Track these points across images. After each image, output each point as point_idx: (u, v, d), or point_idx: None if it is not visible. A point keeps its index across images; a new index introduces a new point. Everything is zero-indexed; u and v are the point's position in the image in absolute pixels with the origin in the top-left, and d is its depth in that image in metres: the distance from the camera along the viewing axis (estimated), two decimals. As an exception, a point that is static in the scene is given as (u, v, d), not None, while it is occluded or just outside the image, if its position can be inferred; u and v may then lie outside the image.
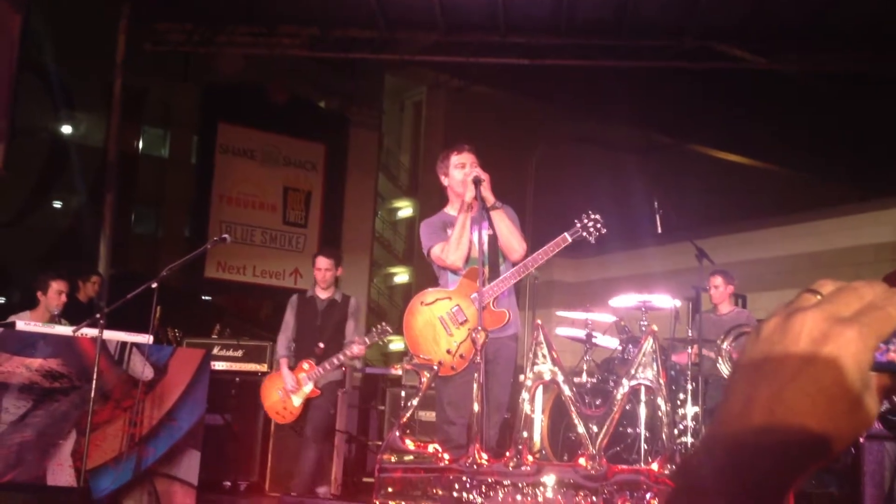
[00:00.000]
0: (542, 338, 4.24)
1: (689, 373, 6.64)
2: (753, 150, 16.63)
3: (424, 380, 4.32)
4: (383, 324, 6.65)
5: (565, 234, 4.73)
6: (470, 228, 4.73)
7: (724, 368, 6.21)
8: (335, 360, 6.43)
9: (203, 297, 13.24)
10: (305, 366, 6.53)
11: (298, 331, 6.76)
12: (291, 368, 6.58)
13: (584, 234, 4.76)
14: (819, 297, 0.68)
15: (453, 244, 4.74)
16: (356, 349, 6.45)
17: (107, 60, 10.41)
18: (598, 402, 6.32)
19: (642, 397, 5.55)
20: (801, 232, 11.70)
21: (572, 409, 4.11)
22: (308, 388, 6.49)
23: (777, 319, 0.67)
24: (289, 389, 6.51)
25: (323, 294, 6.77)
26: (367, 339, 6.49)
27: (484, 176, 4.66)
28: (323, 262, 6.73)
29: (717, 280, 7.64)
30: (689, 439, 6.37)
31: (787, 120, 13.77)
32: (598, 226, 4.78)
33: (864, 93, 11.79)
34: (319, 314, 6.73)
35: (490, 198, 4.70)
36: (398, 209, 24.90)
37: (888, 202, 11.03)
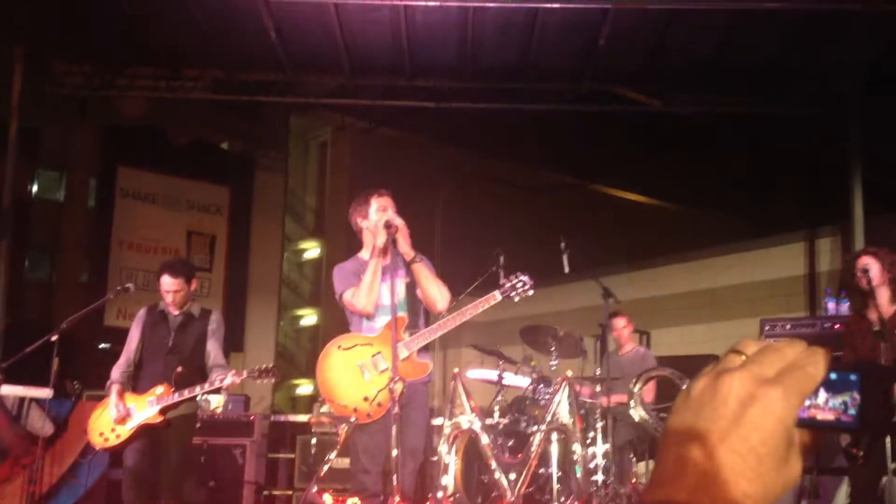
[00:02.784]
0: (460, 388, 4.25)
1: (598, 412, 6.74)
2: (653, 189, 17.13)
3: (342, 431, 4.27)
4: (271, 365, 5.64)
5: (495, 292, 4.81)
6: (383, 275, 4.73)
7: (636, 413, 6.32)
8: (197, 388, 5.39)
9: (102, 346, 12.79)
10: (159, 389, 5.43)
11: (147, 351, 5.64)
12: (140, 392, 5.52)
13: (512, 293, 4.85)
14: (743, 357, 0.71)
15: (364, 290, 4.71)
16: (230, 380, 5.34)
17: (1, 100, 10.07)
18: (510, 444, 6.35)
19: (553, 437, 5.60)
20: (700, 268, 12.04)
21: (490, 456, 4.12)
22: (149, 413, 5.40)
23: (705, 380, 0.70)
24: (115, 420, 5.39)
25: (176, 309, 5.73)
26: (244, 372, 5.48)
27: (398, 222, 4.67)
28: (169, 282, 5.61)
29: (622, 321, 7.83)
30: (600, 477, 6.44)
31: (684, 160, 14.24)
32: (527, 287, 4.88)
33: (756, 133, 12.29)
34: (172, 332, 5.64)
35: (409, 252, 4.71)
36: (304, 250, 24.66)
37: (781, 238, 11.47)
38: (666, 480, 0.67)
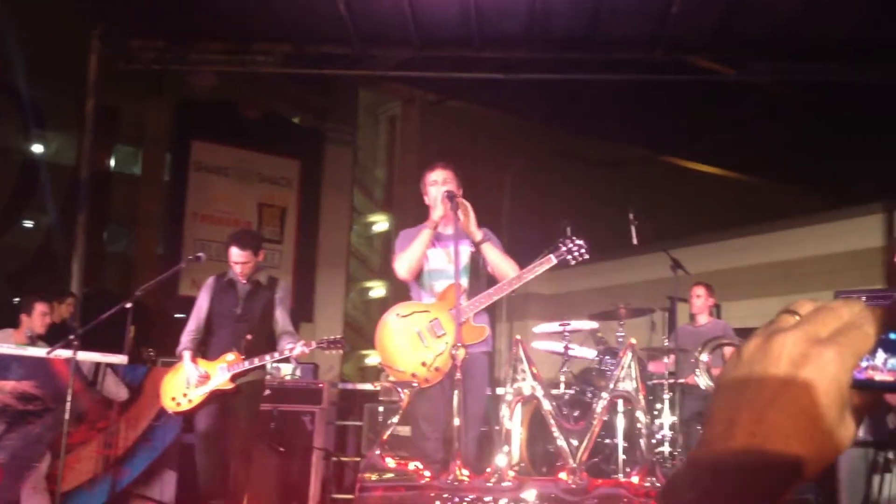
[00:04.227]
0: (521, 353, 4.26)
1: (666, 383, 6.69)
2: (726, 160, 16.78)
3: (404, 397, 4.32)
4: (339, 337, 5.72)
5: (550, 255, 4.83)
6: (445, 242, 4.80)
7: (702, 381, 6.25)
8: (267, 357, 5.49)
9: (177, 316, 13.13)
10: (230, 357, 5.54)
11: (216, 318, 5.73)
12: (210, 358, 5.65)
13: (568, 256, 4.86)
14: (797, 317, 0.69)
15: (405, 255, 4.86)
16: (299, 350, 5.44)
17: (79, 79, 10.33)
18: (575, 414, 6.35)
19: (620, 408, 5.57)
20: (775, 241, 11.80)
21: (552, 423, 4.12)
22: (220, 379, 5.51)
23: (757, 341, 0.68)
24: (193, 384, 5.52)
25: (244, 279, 5.78)
26: (313, 343, 5.55)
27: (457, 191, 4.73)
28: (237, 254, 5.67)
29: (700, 290, 7.72)
30: (667, 449, 6.41)
31: (758, 130, 13.90)
32: (582, 251, 4.91)
33: (834, 102, 11.93)
34: (240, 301, 5.72)
35: (476, 233, 4.79)
36: (373, 224, 24.84)
37: (858, 210, 11.16)
38: (714, 440, 0.65)
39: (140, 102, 15.75)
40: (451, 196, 4.70)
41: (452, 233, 4.70)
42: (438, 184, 4.90)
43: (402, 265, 4.85)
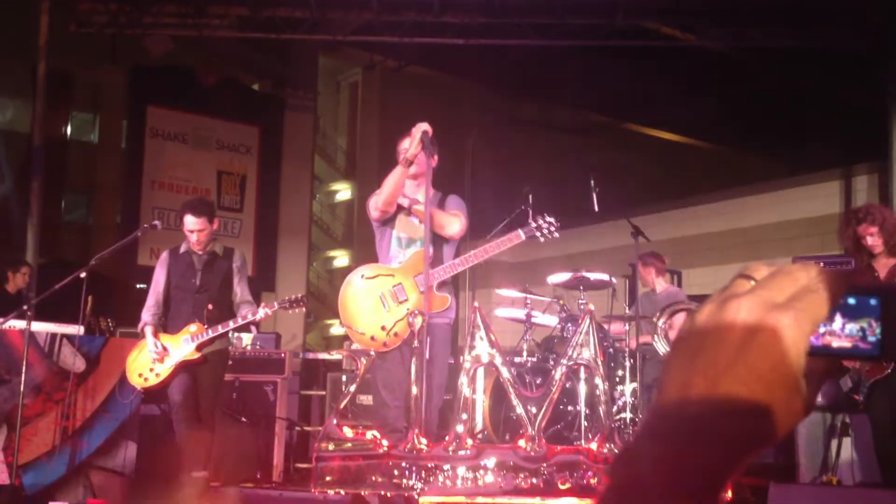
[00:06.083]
0: (479, 320, 4.24)
1: (626, 350, 6.74)
2: (686, 127, 16.87)
3: (361, 365, 4.29)
4: (300, 295, 5.73)
5: (519, 231, 4.80)
6: (413, 213, 4.78)
7: (660, 346, 6.30)
8: (230, 324, 5.49)
9: (136, 286, 12.97)
10: (192, 328, 5.50)
11: (175, 291, 5.65)
12: (173, 332, 5.60)
13: (538, 234, 4.82)
14: (753, 282, 0.66)
15: (379, 192, 4.78)
16: (262, 313, 5.43)
17: (31, 43, 10.10)
18: (538, 382, 6.37)
19: (582, 375, 5.60)
20: (734, 208, 11.91)
21: (510, 390, 4.13)
22: (185, 350, 5.50)
23: (711, 307, 0.65)
24: (154, 358, 5.49)
25: (200, 249, 5.69)
26: (275, 304, 5.58)
27: (427, 127, 4.65)
28: (192, 222, 5.56)
29: (639, 267, 7.80)
30: (628, 415, 6.47)
31: (717, 97, 13.98)
32: (552, 229, 4.86)
33: (792, 68, 12.01)
34: (198, 272, 5.65)
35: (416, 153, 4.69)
36: (336, 192, 24.72)
37: (817, 177, 11.29)
38: (668, 409, 0.63)
39: (94, 68, 15.46)
40: (426, 136, 4.63)
41: (422, 197, 4.68)
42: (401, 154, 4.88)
43: (376, 199, 4.78)
